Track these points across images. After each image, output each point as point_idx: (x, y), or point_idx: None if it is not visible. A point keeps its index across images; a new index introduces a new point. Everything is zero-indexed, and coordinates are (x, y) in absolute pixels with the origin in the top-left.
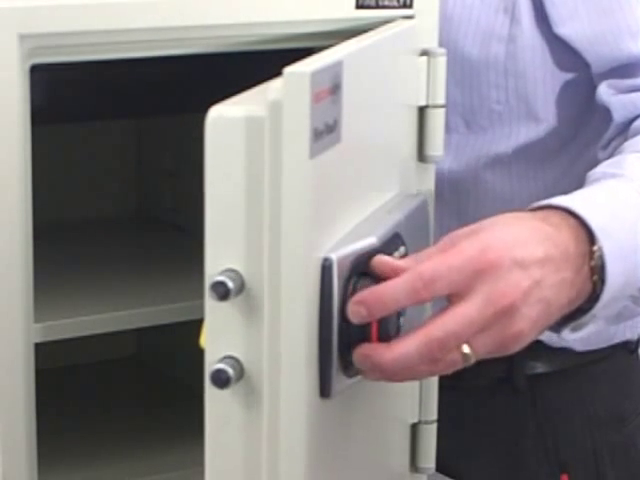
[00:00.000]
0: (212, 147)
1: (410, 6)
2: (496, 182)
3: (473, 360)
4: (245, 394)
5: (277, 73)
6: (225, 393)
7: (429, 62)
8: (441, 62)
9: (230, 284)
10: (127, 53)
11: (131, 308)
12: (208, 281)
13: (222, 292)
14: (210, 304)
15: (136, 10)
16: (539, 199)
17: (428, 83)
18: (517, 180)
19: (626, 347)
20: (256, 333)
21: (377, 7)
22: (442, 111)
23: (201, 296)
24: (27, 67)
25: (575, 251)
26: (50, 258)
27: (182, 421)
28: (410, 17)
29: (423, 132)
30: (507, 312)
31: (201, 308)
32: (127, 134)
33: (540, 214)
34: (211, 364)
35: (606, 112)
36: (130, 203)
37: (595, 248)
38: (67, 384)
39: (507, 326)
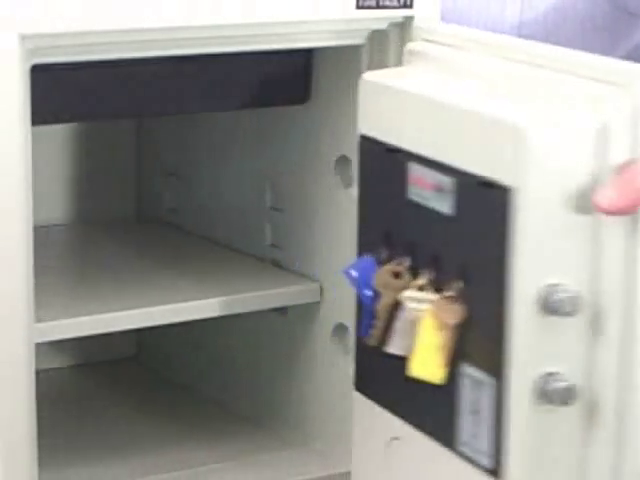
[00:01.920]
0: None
1: (410, 6)
2: None
3: None
4: (580, 413)
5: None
6: (559, 410)
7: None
8: None
9: (562, 299)
10: (127, 53)
11: (131, 308)
12: (530, 295)
13: (555, 307)
14: (536, 318)
15: (136, 10)
16: None
17: None
18: None
19: None
20: (593, 351)
21: (377, 7)
22: None
23: (201, 296)
24: (27, 67)
25: None
26: (50, 258)
27: (182, 421)
28: (410, 17)
29: None
30: None
31: (201, 308)
32: (127, 134)
33: None
34: (539, 379)
35: None
36: (130, 203)
37: None
38: (67, 384)
39: None
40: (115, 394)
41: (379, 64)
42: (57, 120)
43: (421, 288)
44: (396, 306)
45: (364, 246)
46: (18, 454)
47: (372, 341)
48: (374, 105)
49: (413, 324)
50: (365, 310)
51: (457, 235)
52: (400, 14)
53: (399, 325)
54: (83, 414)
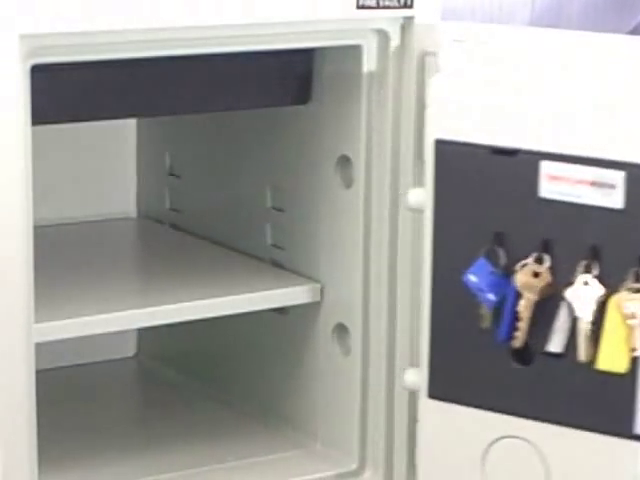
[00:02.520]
0: None
1: (410, 6)
2: None
3: None
4: None
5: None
6: None
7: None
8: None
9: None
10: (127, 53)
11: (131, 308)
12: None
13: None
14: None
15: (136, 10)
16: None
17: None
18: None
19: None
20: None
21: (378, 7)
22: None
23: (201, 296)
24: (27, 67)
25: None
26: (50, 258)
27: (182, 421)
28: (411, 17)
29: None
30: None
31: (201, 308)
32: (127, 134)
33: None
34: None
35: None
36: (130, 203)
37: None
38: (67, 384)
39: None
40: (115, 394)
41: (379, 64)
42: (57, 120)
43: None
44: (538, 306)
45: (469, 250)
46: (18, 454)
47: (517, 343)
48: (460, 109)
49: (575, 321)
50: (505, 314)
51: (628, 228)
52: (400, 14)
53: (559, 324)
54: (83, 414)
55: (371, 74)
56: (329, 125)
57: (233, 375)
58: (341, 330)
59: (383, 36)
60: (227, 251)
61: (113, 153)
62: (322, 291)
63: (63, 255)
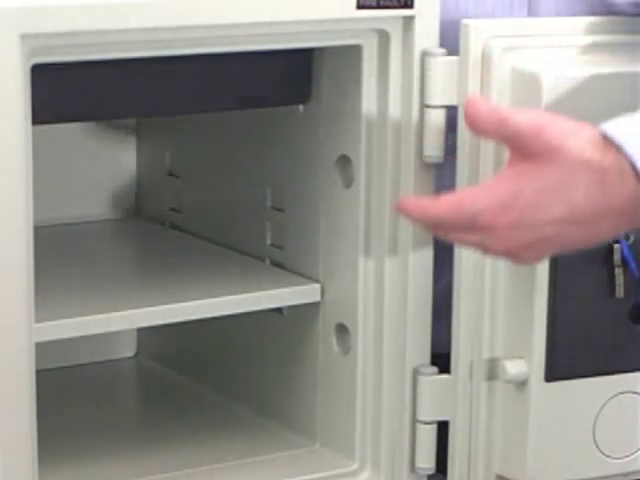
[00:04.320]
0: None
1: (410, 6)
2: None
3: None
4: None
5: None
6: None
7: (429, 62)
8: (441, 62)
9: None
10: (127, 53)
11: (131, 308)
12: None
13: None
14: None
15: (136, 10)
16: None
17: (428, 83)
18: None
19: None
20: None
21: (378, 7)
22: (442, 111)
23: (201, 296)
24: (28, 67)
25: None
26: (50, 258)
27: (182, 421)
28: (411, 17)
29: (423, 132)
30: None
31: (201, 308)
32: (127, 134)
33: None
34: None
35: None
36: (130, 203)
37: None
38: (67, 384)
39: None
40: (115, 394)
41: (379, 64)
42: (57, 120)
43: None
44: None
45: None
46: (18, 454)
47: None
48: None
49: None
50: None
51: None
52: (400, 14)
53: None
54: (83, 414)
55: (371, 74)
56: (329, 125)
57: (233, 375)
58: (341, 330)
59: (383, 36)
60: (227, 251)
61: (113, 153)
62: (322, 291)
63: (63, 255)
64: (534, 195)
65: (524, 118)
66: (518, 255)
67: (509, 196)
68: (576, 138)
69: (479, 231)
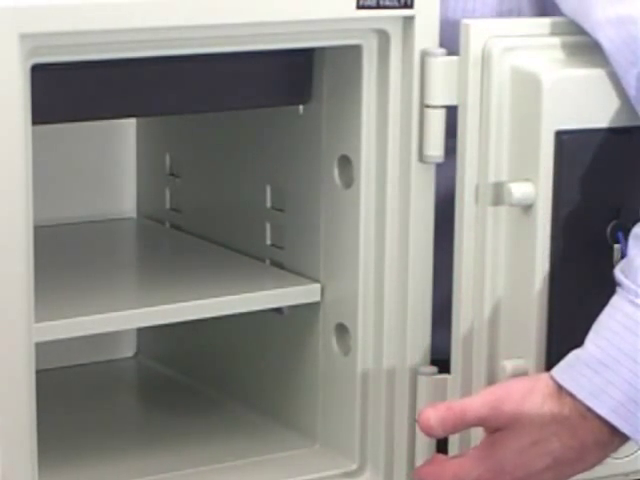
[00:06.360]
0: None
1: (410, 6)
2: None
3: None
4: None
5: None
6: None
7: (429, 62)
8: (441, 62)
9: None
10: (127, 53)
11: (131, 308)
12: None
13: None
14: None
15: (136, 10)
16: None
17: (428, 83)
18: None
19: None
20: None
21: (377, 7)
22: (442, 111)
23: (201, 296)
24: (28, 67)
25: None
26: (50, 258)
27: (182, 421)
28: (411, 17)
29: (423, 132)
30: None
31: (201, 308)
32: (127, 134)
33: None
34: None
35: None
36: (130, 203)
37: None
38: (67, 384)
39: None
40: (115, 394)
41: (379, 64)
42: (57, 120)
43: None
44: None
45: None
46: (18, 454)
47: None
48: (575, 98)
49: None
50: None
51: None
52: (400, 14)
53: None
54: (83, 414)
55: (371, 74)
56: (329, 125)
57: (233, 375)
58: (341, 330)
59: (383, 36)
60: (227, 251)
61: (113, 153)
62: (322, 291)
63: (63, 255)
64: (518, 456)
65: (478, 402)
66: None
67: (495, 464)
68: (532, 398)
69: None
